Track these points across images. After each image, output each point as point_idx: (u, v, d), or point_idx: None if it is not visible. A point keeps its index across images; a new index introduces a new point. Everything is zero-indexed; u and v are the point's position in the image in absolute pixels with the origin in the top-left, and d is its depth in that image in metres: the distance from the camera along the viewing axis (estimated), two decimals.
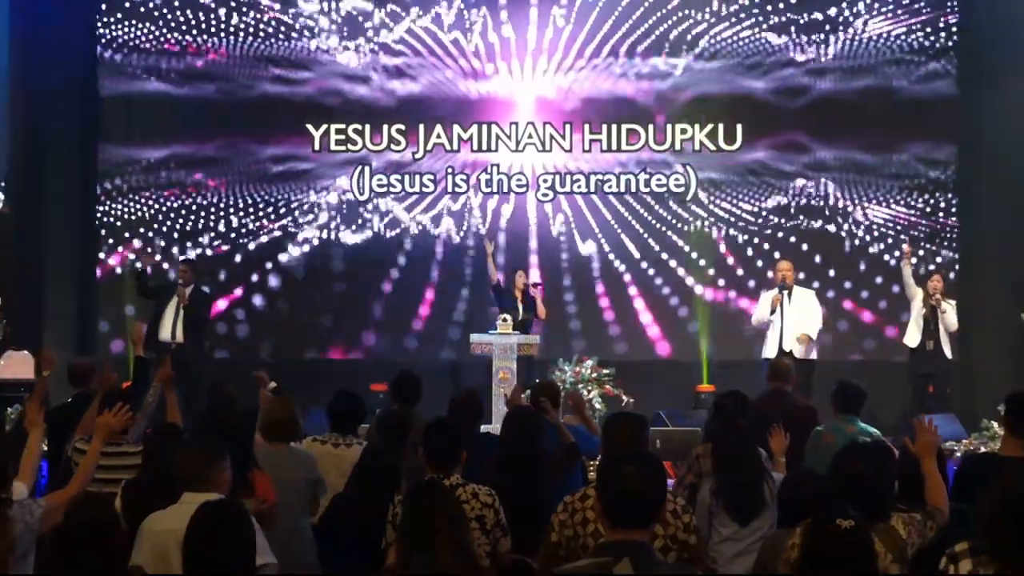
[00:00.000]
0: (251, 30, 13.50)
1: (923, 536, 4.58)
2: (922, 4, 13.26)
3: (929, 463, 5.04)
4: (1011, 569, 3.95)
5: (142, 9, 13.53)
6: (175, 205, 13.53)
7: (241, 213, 13.56)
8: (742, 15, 13.35)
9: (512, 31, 13.50)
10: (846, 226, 13.27)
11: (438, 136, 13.43)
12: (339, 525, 5.76)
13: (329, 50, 13.48)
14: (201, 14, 13.54)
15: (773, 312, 11.16)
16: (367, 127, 13.43)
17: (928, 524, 4.66)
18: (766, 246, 13.26)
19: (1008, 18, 12.86)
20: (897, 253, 12.65)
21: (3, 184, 13.14)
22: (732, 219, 13.35)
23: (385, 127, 13.42)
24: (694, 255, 13.35)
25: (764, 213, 13.33)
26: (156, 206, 13.53)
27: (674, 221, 13.39)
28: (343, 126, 13.44)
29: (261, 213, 13.55)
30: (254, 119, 13.49)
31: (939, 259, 13.07)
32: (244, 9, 13.54)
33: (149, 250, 13.30)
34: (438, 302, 13.47)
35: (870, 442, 4.82)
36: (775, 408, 7.88)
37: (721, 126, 13.28)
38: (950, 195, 13.23)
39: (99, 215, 13.53)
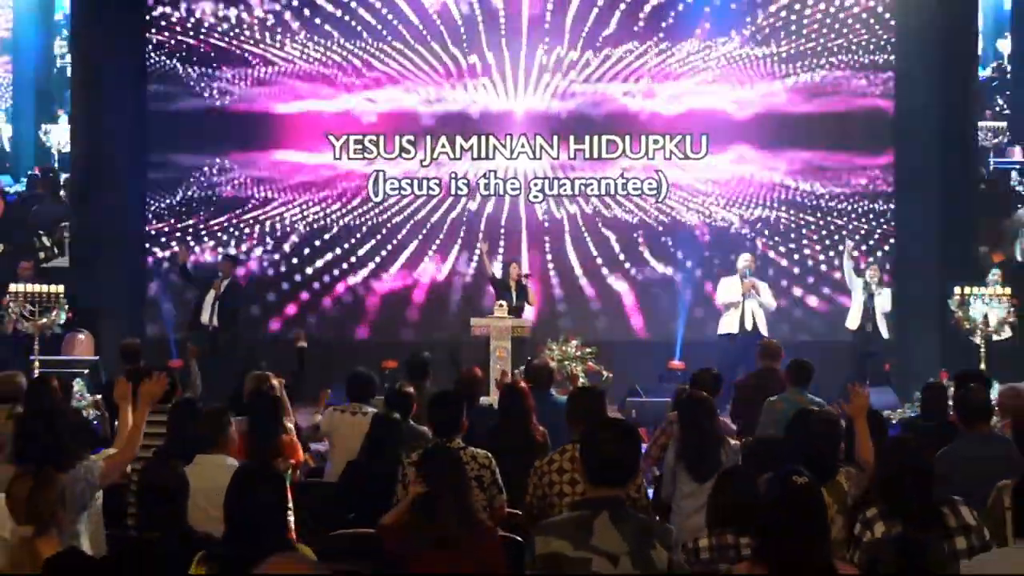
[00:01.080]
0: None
1: (860, 487, 4.61)
2: (859, 15, 13.20)
3: (860, 422, 5.06)
4: (913, 524, 3.97)
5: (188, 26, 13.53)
6: (213, 208, 13.52)
7: (254, 213, 13.54)
8: (705, 39, 13.33)
9: (506, 49, 13.49)
10: (798, 223, 13.28)
11: (443, 146, 13.44)
12: (352, 488, 5.78)
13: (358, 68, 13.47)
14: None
15: (745, 296, 11.26)
16: (381, 138, 13.42)
17: (863, 476, 4.68)
18: (729, 237, 13.27)
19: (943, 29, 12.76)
20: (841, 248, 12.63)
21: (33, 172, 13.53)
22: (700, 216, 13.36)
23: (397, 138, 13.42)
24: (671, 248, 13.38)
25: (728, 210, 13.34)
26: (196, 207, 13.52)
27: (649, 220, 13.39)
28: (360, 136, 13.43)
29: (272, 214, 13.55)
30: (272, 129, 13.46)
31: (878, 252, 13.08)
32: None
33: (191, 241, 13.27)
34: (441, 293, 13.48)
35: (819, 413, 4.84)
36: (765, 383, 7.93)
37: (688, 137, 13.29)
38: (887, 197, 13.22)
39: (148, 214, 13.50)
